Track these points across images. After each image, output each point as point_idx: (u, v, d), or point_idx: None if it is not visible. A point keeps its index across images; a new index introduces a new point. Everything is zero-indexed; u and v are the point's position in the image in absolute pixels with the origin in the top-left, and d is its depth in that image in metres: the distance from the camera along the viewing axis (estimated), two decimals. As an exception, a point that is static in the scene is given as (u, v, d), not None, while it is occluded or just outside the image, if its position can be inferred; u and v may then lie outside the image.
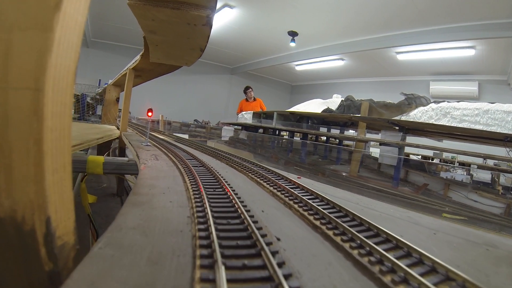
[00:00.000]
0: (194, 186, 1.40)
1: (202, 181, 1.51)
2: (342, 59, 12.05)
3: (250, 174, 1.91)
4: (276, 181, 1.69)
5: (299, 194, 1.39)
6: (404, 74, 12.16)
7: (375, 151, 7.56)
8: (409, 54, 10.17)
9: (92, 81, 9.86)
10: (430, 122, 4.20)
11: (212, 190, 1.36)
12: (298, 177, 2.08)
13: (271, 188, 1.58)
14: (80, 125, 4.53)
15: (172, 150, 2.41)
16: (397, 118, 4.61)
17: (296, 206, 1.26)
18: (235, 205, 1.15)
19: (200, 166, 1.89)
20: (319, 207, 1.18)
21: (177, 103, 14.53)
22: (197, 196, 1.24)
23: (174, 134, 5.69)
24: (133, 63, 4.14)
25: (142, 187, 1.37)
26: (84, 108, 7.69)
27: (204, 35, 2.51)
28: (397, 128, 4.40)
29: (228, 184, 1.47)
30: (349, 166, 5.53)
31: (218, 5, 8.44)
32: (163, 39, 2.65)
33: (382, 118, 4.72)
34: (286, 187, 1.54)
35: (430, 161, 8.10)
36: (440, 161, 8.26)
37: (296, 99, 15.30)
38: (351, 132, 7.17)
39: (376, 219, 1.12)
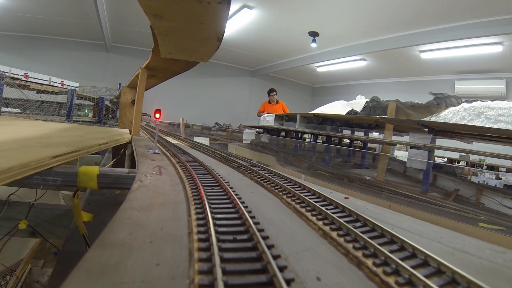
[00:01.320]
0: (202, 226, 0.88)
1: (216, 214, 0.98)
2: (364, 59, 11.56)
3: (283, 195, 1.37)
4: (322, 208, 1.14)
5: (369, 240, 0.84)
6: (427, 74, 11.51)
7: (399, 154, 7.25)
8: (433, 52, 9.54)
9: (112, 84, 9.62)
10: (463, 123, 3.78)
11: (231, 237, 0.82)
12: (345, 197, 1.56)
13: (321, 224, 1.04)
14: (91, 128, 4.10)
15: (183, 160, 1.90)
16: (426, 119, 4.24)
17: (376, 269, 0.71)
18: (274, 277, 0.61)
19: (215, 186, 1.35)
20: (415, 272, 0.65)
21: (198, 106, 14.27)
22: (205, 250, 0.72)
23: (191, 139, 5.21)
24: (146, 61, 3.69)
25: (121, 226, 0.85)
26: (102, 112, 7.34)
27: (220, 18, 1.98)
28: (426, 130, 3.96)
29: (255, 221, 0.93)
30: (374, 170, 5.18)
31: (237, 6, 8.27)
32: (172, 25, 2.14)
33: (411, 120, 4.27)
34: (343, 221, 1.00)
35: (457, 164, 7.65)
36: (467, 164, 7.85)
37: (317, 101, 14.98)
38: (375, 135, 6.66)
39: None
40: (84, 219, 2.18)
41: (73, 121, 6.15)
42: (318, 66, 13.23)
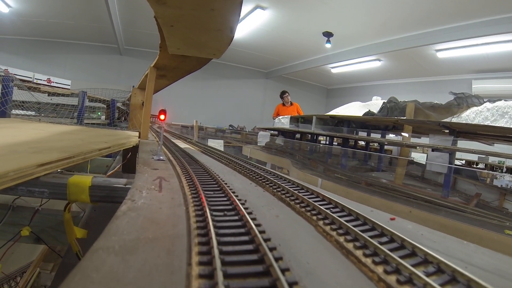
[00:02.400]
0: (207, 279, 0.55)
1: (228, 257, 0.65)
2: (379, 60, 11.15)
3: (318, 221, 1.02)
4: (375, 242, 0.80)
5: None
6: (444, 73, 11.04)
7: (416, 155, 7.05)
8: (450, 51, 9.08)
9: (126, 87, 9.41)
10: (486, 123, 3.55)
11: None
12: (391, 219, 1.22)
13: (380, 271, 0.69)
14: (98, 131, 3.82)
15: (191, 171, 1.57)
16: (447, 120, 4.10)
17: None
18: None
19: (228, 210, 1.00)
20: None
21: (212, 109, 14.02)
22: None
23: (204, 142, 4.90)
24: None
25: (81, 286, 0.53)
26: (113, 114, 7.10)
27: (233, 3, 1.65)
28: (447, 131, 3.88)
29: (289, 277, 0.59)
30: (391, 173, 5.01)
31: (250, 7, 8.06)
32: (178, 13, 1.82)
33: (432, 121, 4.18)
34: (411, 268, 0.66)
35: (476, 166, 7.43)
36: (486, 167, 7.61)
37: (332, 103, 14.61)
38: (391, 136, 6.42)
39: None
40: (78, 235, 1.88)
41: (85, 123, 5.91)
42: (332, 67, 12.84)
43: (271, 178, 1.55)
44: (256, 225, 0.83)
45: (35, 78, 5.36)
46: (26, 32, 10.75)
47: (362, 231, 0.91)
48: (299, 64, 12.65)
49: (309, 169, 4.80)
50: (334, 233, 0.92)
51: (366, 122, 5.75)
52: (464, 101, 4.63)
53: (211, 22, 1.93)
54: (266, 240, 0.74)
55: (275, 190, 1.38)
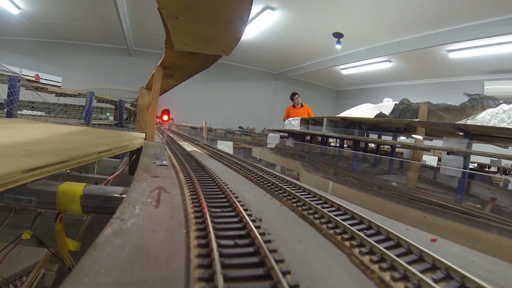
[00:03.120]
0: None
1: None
2: (390, 61, 10.87)
3: (351, 248, 0.80)
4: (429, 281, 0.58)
5: None
6: (455, 75, 10.70)
7: (427, 158, 6.75)
8: (462, 51, 8.79)
9: (135, 88, 9.27)
10: (502, 126, 3.37)
11: None
12: (432, 240, 0.98)
13: None
14: (102, 132, 3.63)
15: (194, 179, 1.35)
16: (462, 122, 3.87)
17: None
18: None
19: (240, 236, 0.77)
20: None
21: (222, 110, 13.88)
22: None
23: (213, 144, 4.68)
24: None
25: None
26: (121, 115, 6.95)
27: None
28: (461, 133, 3.71)
29: None
30: (402, 176, 4.81)
31: (259, 7, 7.87)
32: (183, 3, 1.61)
33: (446, 123, 3.93)
34: None
35: (487, 169, 7.13)
36: (498, 170, 7.35)
37: (342, 105, 14.39)
38: (401, 139, 6.19)
39: None
40: (71, 247, 1.68)
41: (92, 124, 5.75)
42: (342, 69, 12.56)
43: (289, 189, 1.33)
44: (278, 261, 0.61)
45: (22, 75, 5.15)
46: (36, 33, 10.77)
47: (410, 263, 0.70)
48: (309, 65, 12.39)
49: (320, 172, 4.61)
50: (375, 267, 0.70)
51: (378, 124, 5.56)
52: (479, 102, 4.36)
53: (220, 13, 1.71)
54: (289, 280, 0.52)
55: (294, 204, 1.16)
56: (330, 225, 0.95)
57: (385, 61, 10.89)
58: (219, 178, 1.40)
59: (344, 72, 12.90)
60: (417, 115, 4.91)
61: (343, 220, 0.97)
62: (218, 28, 1.95)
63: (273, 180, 1.49)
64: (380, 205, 2.39)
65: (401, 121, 4.78)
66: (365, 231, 0.91)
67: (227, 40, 2.15)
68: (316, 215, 1.04)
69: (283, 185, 1.42)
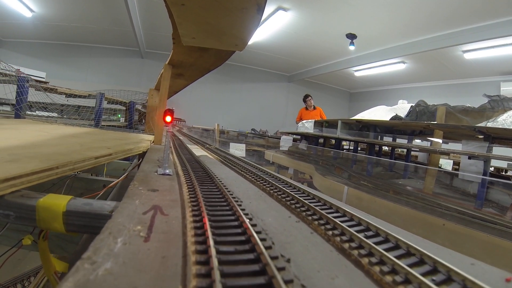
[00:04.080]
0: None
1: None
2: (404, 62, 10.53)
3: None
4: None
5: None
6: (471, 76, 10.28)
7: (443, 162, 6.50)
8: (478, 52, 8.41)
9: (146, 89, 9.13)
10: None
11: None
12: (507, 279, 0.68)
13: None
14: (107, 134, 3.40)
15: (199, 196, 1.07)
16: (482, 124, 3.72)
17: None
18: None
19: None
20: None
21: (234, 112, 13.69)
22: None
23: (225, 148, 4.43)
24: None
25: None
26: (132, 116, 6.75)
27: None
28: (481, 136, 3.52)
29: None
30: (418, 180, 4.62)
31: (272, 8, 7.69)
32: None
33: (467, 126, 3.72)
34: None
35: (505, 173, 6.67)
36: None
37: (355, 107, 14.16)
38: (417, 142, 6.01)
39: None
40: (57, 268, 1.42)
41: (102, 126, 5.55)
42: (355, 71, 12.26)
43: (317, 207, 1.04)
44: None
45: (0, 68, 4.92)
46: (48, 36, 10.82)
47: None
48: (322, 67, 12.11)
49: (333, 176, 4.39)
50: None
51: (394, 127, 5.32)
52: (499, 104, 4.24)
53: (233, -2, 1.45)
54: None
55: (329, 232, 0.87)
56: (384, 268, 0.67)
57: (398, 62, 10.58)
58: (231, 193, 1.12)
59: (357, 74, 12.59)
60: (434, 117, 4.73)
61: (388, 250, 0.70)
62: (230, 17, 1.67)
63: (297, 196, 1.20)
64: (398, 212, 2.25)
65: (418, 123, 4.54)
66: (418, 267, 0.64)
67: (241, 31, 1.87)
68: (362, 251, 0.75)
69: (309, 201, 1.14)
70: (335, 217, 0.98)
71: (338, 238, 0.84)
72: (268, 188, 1.36)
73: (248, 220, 0.82)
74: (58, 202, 1.15)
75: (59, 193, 2.94)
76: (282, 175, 1.69)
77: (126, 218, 0.82)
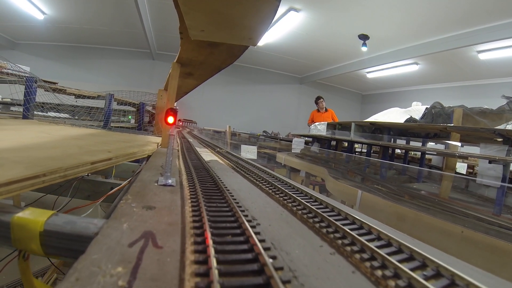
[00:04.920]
0: None
1: None
2: (417, 63, 10.20)
3: None
4: None
5: None
6: (486, 77, 9.89)
7: (457, 165, 6.33)
8: (493, 52, 8.10)
9: (157, 91, 9.03)
10: None
11: None
12: None
13: None
14: (112, 136, 3.20)
15: (204, 217, 0.83)
16: (501, 127, 3.69)
17: None
18: None
19: None
20: None
21: (246, 114, 13.47)
22: None
23: (236, 152, 4.20)
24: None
25: None
26: (142, 118, 6.60)
27: None
28: (500, 139, 3.35)
29: None
30: (432, 184, 4.44)
31: (283, 9, 7.53)
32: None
33: (486, 128, 3.60)
34: None
35: None
36: None
37: (367, 109, 13.77)
38: (431, 145, 5.74)
39: None
40: (42, 291, 1.21)
41: (111, 127, 5.38)
42: (368, 72, 11.95)
43: (359, 237, 0.80)
44: None
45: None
46: (60, 38, 10.86)
47: None
48: (334, 69, 11.83)
49: (347, 179, 4.18)
50: None
51: (409, 130, 5.14)
52: None
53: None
54: None
55: (377, 272, 0.63)
56: None
57: (411, 63, 10.25)
58: (245, 213, 0.89)
59: (369, 75, 12.30)
60: (451, 119, 4.48)
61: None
62: (244, 5, 1.45)
63: (326, 216, 0.96)
64: (414, 218, 2.13)
65: (435, 126, 4.31)
66: None
67: (255, 22, 1.64)
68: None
69: (342, 223, 0.90)
70: (378, 247, 0.74)
71: (392, 283, 0.60)
72: (290, 204, 1.11)
73: (269, 259, 0.59)
74: (36, 219, 0.93)
75: (65, 196, 2.72)
76: (303, 186, 1.44)
77: (105, 253, 0.60)
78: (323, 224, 0.92)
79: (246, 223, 0.79)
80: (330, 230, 0.87)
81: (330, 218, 0.93)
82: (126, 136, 3.40)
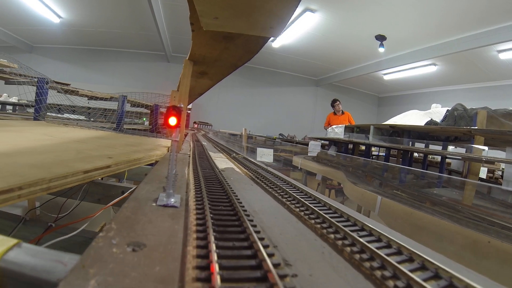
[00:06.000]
0: None
1: None
2: (435, 64, 9.95)
3: None
4: None
5: None
6: (506, 77, 9.59)
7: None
8: None
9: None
10: None
11: None
12: None
13: None
14: (121, 139, 2.96)
15: (216, 262, 0.55)
16: None
17: None
18: None
19: None
20: None
21: (262, 117, 13.43)
22: None
23: (253, 156, 3.93)
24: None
25: None
26: (156, 120, 6.42)
27: None
28: None
29: None
30: (453, 190, 4.11)
31: (299, 10, 7.42)
32: None
33: None
34: None
35: None
36: None
37: (384, 112, 13.70)
38: (450, 149, 5.71)
39: None
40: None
41: (123, 129, 5.19)
42: (384, 74, 11.70)
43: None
44: None
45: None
46: (76, 41, 11.09)
47: None
48: (351, 71, 11.65)
49: (366, 184, 3.91)
50: None
51: (429, 133, 5.04)
52: None
53: None
54: None
55: None
56: None
57: (429, 64, 10.01)
58: (272, 250, 0.60)
59: (386, 77, 12.02)
60: (474, 122, 4.36)
61: None
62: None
63: (390, 260, 0.66)
64: (437, 225, 1.96)
65: (458, 129, 4.12)
66: None
67: (278, 6, 1.35)
68: None
69: (407, 269, 0.60)
70: None
71: None
72: (333, 236, 0.81)
73: None
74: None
75: (74, 199, 2.40)
76: (343, 206, 1.13)
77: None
78: (386, 274, 0.61)
79: (277, 278, 0.50)
80: (386, 275, 0.56)
81: (399, 267, 0.62)
82: (134, 139, 3.16)
